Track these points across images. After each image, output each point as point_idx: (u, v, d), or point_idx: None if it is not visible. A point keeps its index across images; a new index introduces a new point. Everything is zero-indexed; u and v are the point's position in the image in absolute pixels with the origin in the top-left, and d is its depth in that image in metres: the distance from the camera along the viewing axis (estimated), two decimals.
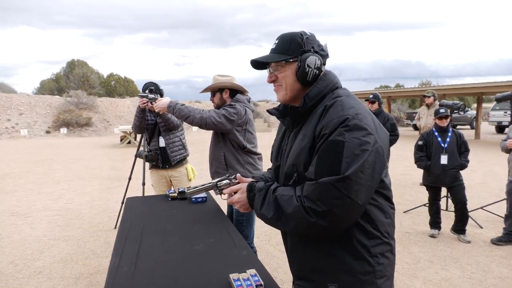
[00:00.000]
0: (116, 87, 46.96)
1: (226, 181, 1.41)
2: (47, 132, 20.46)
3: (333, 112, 1.06)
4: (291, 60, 1.19)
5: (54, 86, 44.75)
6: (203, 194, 2.84)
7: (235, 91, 2.71)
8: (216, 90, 2.69)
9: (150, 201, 2.96)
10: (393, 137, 4.89)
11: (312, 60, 1.16)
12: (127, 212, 2.66)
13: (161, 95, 3.54)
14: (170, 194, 2.96)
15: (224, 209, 2.85)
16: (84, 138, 19.37)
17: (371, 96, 5.24)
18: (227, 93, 2.68)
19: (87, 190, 6.72)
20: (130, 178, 4.33)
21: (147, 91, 3.38)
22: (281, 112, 1.30)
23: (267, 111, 1.56)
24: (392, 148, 5.87)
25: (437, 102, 6.57)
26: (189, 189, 1.52)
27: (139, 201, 2.98)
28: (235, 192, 1.31)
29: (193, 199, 2.81)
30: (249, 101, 2.76)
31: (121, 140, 15.60)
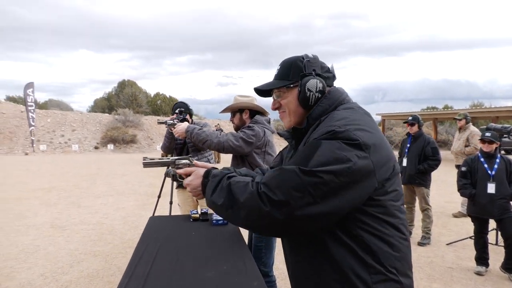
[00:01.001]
0: (161, 106, 49.11)
1: (186, 161, 1.38)
2: (96, 147, 21.69)
3: (323, 124, 1.05)
4: (291, 86, 1.17)
5: (105, 105, 47.71)
6: None
7: (255, 111, 2.66)
8: (236, 110, 2.66)
9: (171, 221, 2.93)
10: (434, 162, 4.57)
11: (313, 83, 1.12)
12: (147, 232, 2.64)
13: (190, 115, 3.59)
14: (192, 215, 2.92)
15: (245, 234, 2.75)
16: (129, 154, 20.27)
17: (410, 118, 4.96)
18: (247, 113, 2.64)
19: (124, 205, 6.92)
20: (159, 196, 4.38)
21: (177, 111, 3.44)
22: (290, 134, 1.26)
23: (278, 133, 1.52)
24: (437, 173, 5.49)
25: (470, 125, 6.14)
26: (145, 159, 1.47)
27: (161, 221, 2.97)
28: (190, 175, 1.27)
29: (214, 221, 2.75)
30: (269, 122, 2.70)
31: (162, 157, 16.09)
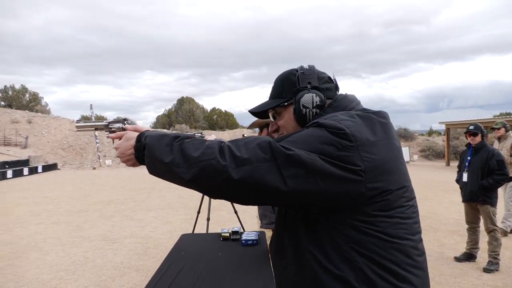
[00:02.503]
0: (218, 120, 50.76)
1: (119, 124, 1.27)
2: None
3: None
4: (286, 104, 1.05)
5: (166, 121, 50.53)
6: (254, 237, 2.65)
7: None
8: (263, 125, 2.53)
9: (202, 240, 2.87)
10: (501, 177, 4.01)
11: (308, 98, 0.99)
12: (174, 249, 2.61)
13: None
14: (222, 234, 2.83)
15: None
16: None
17: (471, 127, 4.42)
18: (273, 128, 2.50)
19: (172, 219, 7.07)
20: (198, 212, 4.37)
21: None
22: None
23: None
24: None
25: (510, 133, 5.49)
26: (78, 122, 1.36)
27: (192, 239, 2.92)
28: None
29: (243, 241, 2.63)
30: None
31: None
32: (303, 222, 0.91)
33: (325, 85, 1.03)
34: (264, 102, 1.11)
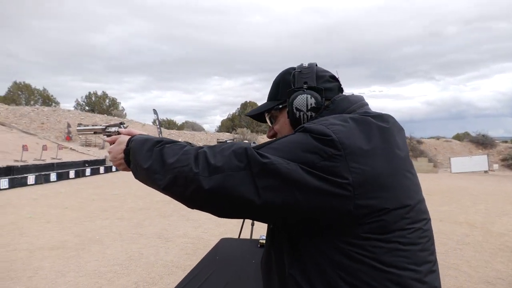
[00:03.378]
0: None
1: (115, 128, 1.25)
2: None
3: None
4: (280, 106, 0.96)
5: (229, 125, 52.12)
6: None
7: None
8: None
9: (239, 245, 2.84)
10: None
11: (301, 100, 0.89)
12: (210, 253, 2.61)
13: None
14: (260, 240, 2.77)
15: None
16: None
17: None
18: None
19: (225, 222, 7.16)
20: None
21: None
22: None
23: None
24: None
25: None
26: (79, 126, 1.39)
27: (229, 244, 2.90)
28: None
29: None
30: None
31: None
32: (288, 241, 0.81)
33: (325, 84, 0.92)
34: (262, 105, 1.02)
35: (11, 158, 17.14)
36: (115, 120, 32.28)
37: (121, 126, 1.26)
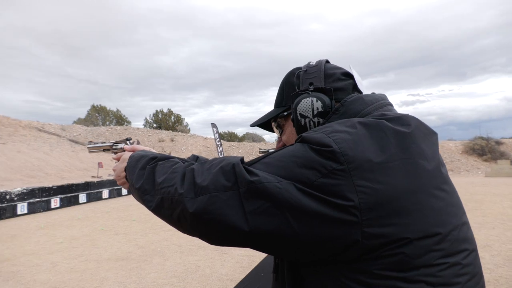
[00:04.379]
0: None
1: (122, 145, 1.21)
2: None
3: None
4: (285, 113, 0.85)
5: None
6: None
7: None
8: None
9: None
10: None
11: (305, 105, 0.76)
12: (256, 269, 2.52)
13: None
14: None
15: None
16: None
17: None
18: None
19: None
20: None
21: None
22: None
23: None
24: None
25: None
26: (90, 144, 1.37)
27: None
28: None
29: None
30: None
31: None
32: (290, 271, 0.69)
33: (335, 84, 0.78)
34: (268, 113, 0.91)
35: (89, 174, 18.85)
36: (179, 135, 33.96)
37: (127, 142, 1.23)
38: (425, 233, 0.57)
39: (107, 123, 53.32)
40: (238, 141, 40.29)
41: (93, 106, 55.77)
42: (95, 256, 5.66)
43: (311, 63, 0.82)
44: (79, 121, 50.21)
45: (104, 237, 7.01)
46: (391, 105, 0.77)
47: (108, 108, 56.58)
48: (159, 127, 50.08)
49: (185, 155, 29.03)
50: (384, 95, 0.80)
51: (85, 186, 14.20)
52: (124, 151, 1.11)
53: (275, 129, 0.91)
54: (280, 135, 0.90)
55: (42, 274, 4.82)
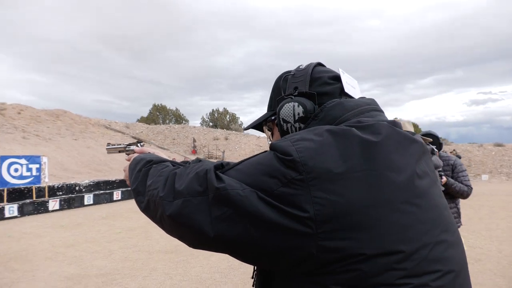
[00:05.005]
0: None
1: (134, 146, 1.23)
2: None
3: None
4: (273, 118, 0.84)
5: None
6: None
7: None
8: None
9: None
10: None
11: (287, 110, 0.75)
12: None
13: (439, 149, 3.21)
14: None
15: None
16: None
17: None
18: None
19: None
20: None
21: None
22: None
23: None
24: None
25: None
26: (108, 146, 1.39)
27: None
28: None
29: None
30: (431, 153, 2.01)
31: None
32: (260, 277, 0.68)
33: (321, 88, 0.75)
34: (260, 116, 0.90)
35: None
36: (233, 134, 34.71)
37: (138, 144, 1.28)
38: (384, 250, 0.53)
39: (167, 121, 56.18)
40: None
41: (154, 105, 59.08)
42: (147, 247, 6.01)
43: (300, 67, 0.81)
44: (141, 119, 53.52)
45: (157, 229, 7.38)
46: (377, 110, 0.72)
47: (168, 107, 59.66)
48: (215, 126, 51.68)
49: (238, 153, 29.64)
50: (372, 100, 0.75)
51: None
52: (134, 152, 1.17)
53: (266, 132, 0.91)
54: (271, 138, 0.89)
55: (99, 260, 5.23)
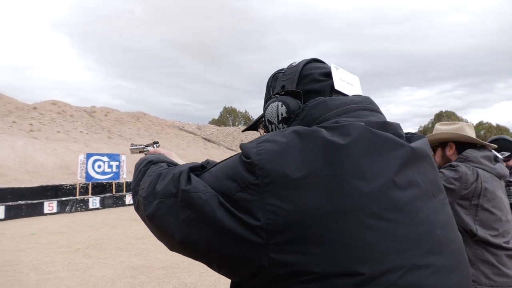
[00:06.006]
0: (485, 136, 42.67)
1: (150, 147, 1.24)
2: None
3: None
4: (262, 119, 0.79)
5: None
6: None
7: (465, 144, 1.83)
8: (435, 144, 1.94)
9: None
10: None
11: (271, 110, 0.71)
12: None
13: None
14: None
15: None
16: None
17: None
18: (451, 148, 1.86)
19: None
20: None
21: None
22: None
23: None
24: None
25: None
26: (132, 146, 1.41)
27: None
28: None
29: None
30: (494, 159, 1.76)
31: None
32: (231, 286, 0.64)
33: (309, 85, 0.69)
34: (257, 117, 0.85)
35: None
36: None
37: (154, 145, 1.31)
38: (339, 270, 0.46)
39: (236, 123, 57.97)
40: None
41: (224, 108, 61.38)
42: None
43: (293, 64, 0.75)
44: (213, 121, 56.00)
45: None
46: (368, 110, 0.64)
47: (237, 110, 61.52)
48: None
49: None
50: (365, 98, 0.66)
51: None
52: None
53: (261, 134, 0.85)
54: None
55: (163, 254, 5.56)
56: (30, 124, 19.72)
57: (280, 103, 0.69)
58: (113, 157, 11.86)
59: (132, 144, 1.48)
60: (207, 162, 0.74)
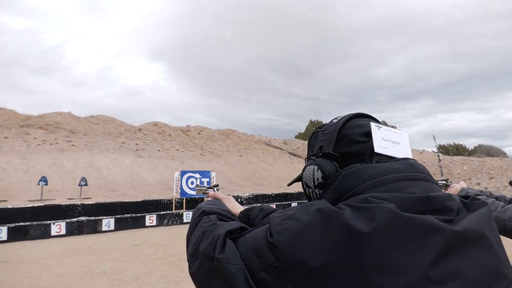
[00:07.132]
0: None
1: (211, 190, 1.25)
2: None
3: None
4: None
5: None
6: None
7: None
8: None
9: None
10: None
11: (308, 174, 0.67)
12: None
13: None
14: None
15: None
16: None
17: None
18: None
19: None
20: None
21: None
22: None
23: None
24: None
25: None
26: (196, 187, 1.41)
27: None
28: None
29: None
30: None
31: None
32: None
33: (347, 148, 0.64)
34: None
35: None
36: None
37: (214, 188, 1.32)
38: None
39: None
40: (468, 155, 34.46)
41: (310, 121, 61.01)
42: None
43: (333, 121, 0.70)
44: (299, 135, 56.03)
45: None
46: (411, 179, 0.55)
47: (324, 122, 60.55)
48: None
49: None
50: (410, 165, 0.58)
51: (298, 196, 15.68)
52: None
53: None
54: None
55: None
56: (136, 144, 22.25)
57: (316, 167, 0.65)
58: (204, 174, 12.68)
59: (197, 185, 1.57)
60: (249, 213, 0.74)
